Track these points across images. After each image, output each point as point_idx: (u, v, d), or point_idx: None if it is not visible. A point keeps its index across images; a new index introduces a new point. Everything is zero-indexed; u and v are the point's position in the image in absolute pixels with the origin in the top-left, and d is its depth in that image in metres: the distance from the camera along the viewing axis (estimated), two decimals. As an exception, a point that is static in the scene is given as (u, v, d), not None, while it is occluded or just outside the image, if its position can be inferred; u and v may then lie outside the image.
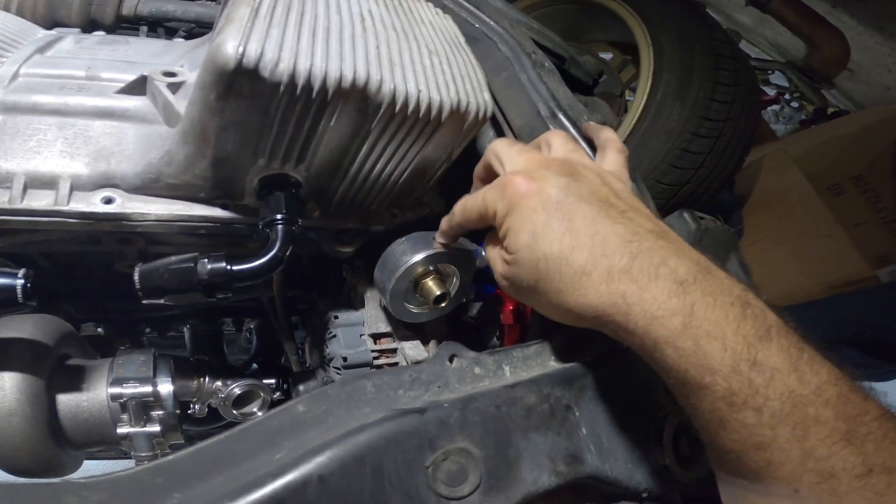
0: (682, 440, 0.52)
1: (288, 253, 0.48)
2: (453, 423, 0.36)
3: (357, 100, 0.47)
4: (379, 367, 0.65)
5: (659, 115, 1.17)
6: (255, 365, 0.76)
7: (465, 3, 0.79)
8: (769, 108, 2.47)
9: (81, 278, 0.61)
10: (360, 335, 0.64)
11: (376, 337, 0.65)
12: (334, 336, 0.63)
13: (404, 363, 0.65)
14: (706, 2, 2.61)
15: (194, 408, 0.61)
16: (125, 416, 0.45)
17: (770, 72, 2.53)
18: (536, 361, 0.47)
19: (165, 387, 0.49)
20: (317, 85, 0.44)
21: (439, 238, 0.56)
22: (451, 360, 0.42)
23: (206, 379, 0.64)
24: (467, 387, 0.41)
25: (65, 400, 0.46)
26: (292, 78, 0.42)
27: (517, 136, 0.71)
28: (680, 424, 0.53)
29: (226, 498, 0.27)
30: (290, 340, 0.72)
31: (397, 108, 0.50)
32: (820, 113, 2.41)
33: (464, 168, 0.75)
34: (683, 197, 1.17)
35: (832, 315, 1.67)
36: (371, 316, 0.66)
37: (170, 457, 0.30)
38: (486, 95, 0.60)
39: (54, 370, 0.46)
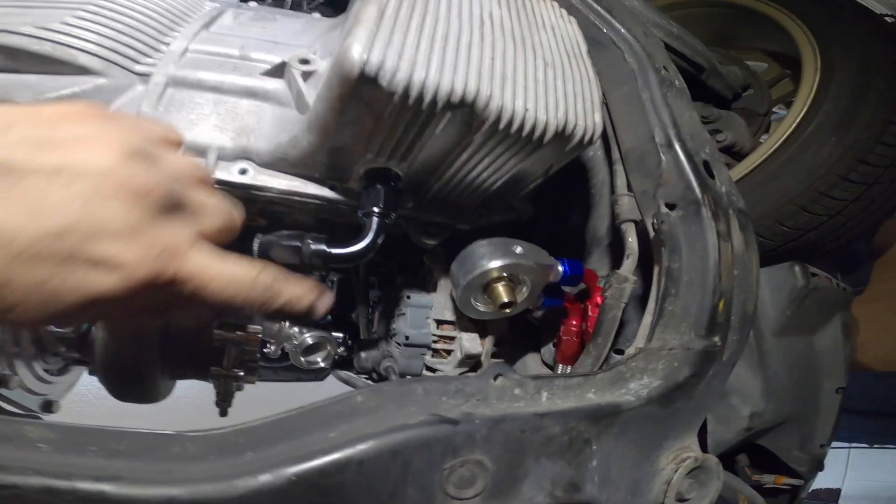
0: (686, 483, 0.53)
1: (380, 242, 0.54)
2: (478, 438, 0.40)
3: (464, 113, 0.50)
4: (436, 350, 0.71)
5: (805, 149, 1.02)
6: (329, 317, 0.85)
7: (595, 4, 0.75)
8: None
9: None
10: (426, 318, 0.70)
11: (440, 323, 0.70)
12: (403, 314, 0.69)
13: (459, 353, 0.70)
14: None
15: (270, 348, 0.71)
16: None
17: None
18: (575, 393, 0.49)
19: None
20: (428, 97, 0.47)
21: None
22: (495, 379, 0.46)
23: (287, 324, 0.74)
24: (504, 405, 0.45)
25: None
26: (407, 88, 0.46)
27: (624, 157, 0.69)
28: (695, 469, 0.54)
29: (283, 464, 0.34)
30: (363, 304, 0.79)
31: (501, 125, 0.51)
32: None
33: (559, 178, 0.75)
34: (805, 243, 1.04)
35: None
36: (440, 303, 0.70)
37: (255, 422, 0.37)
38: (598, 118, 0.58)
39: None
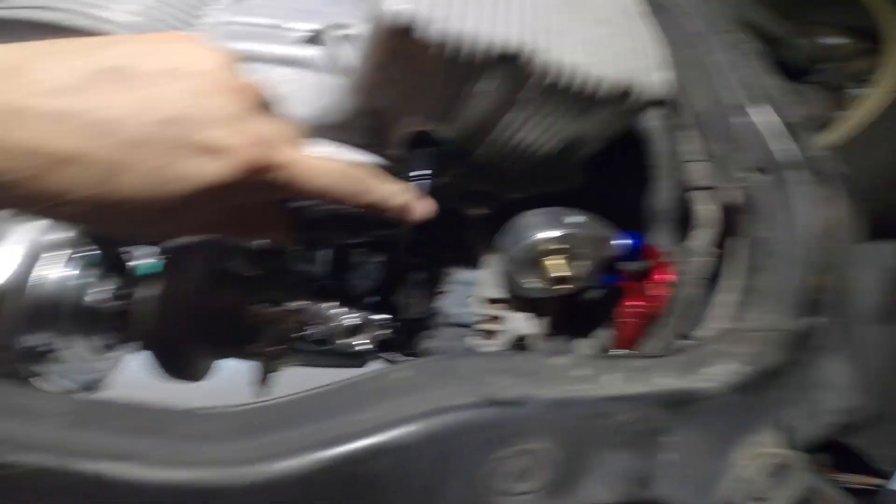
0: (764, 481, 0.47)
1: None
2: (534, 425, 0.35)
3: (507, 68, 0.45)
4: (482, 331, 0.66)
5: (896, 121, 0.93)
6: (373, 298, 0.82)
7: (650, -33, 0.69)
8: None
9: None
10: (470, 296, 0.65)
11: (485, 301, 0.66)
12: (445, 292, 0.65)
13: (505, 334, 0.65)
14: None
15: (311, 330, 0.68)
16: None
17: None
18: (641, 377, 0.43)
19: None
20: (467, 50, 0.43)
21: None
22: (549, 357, 0.41)
23: (329, 305, 0.71)
24: (559, 388, 0.40)
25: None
26: (444, 40, 0.42)
27: (693, 123, 0.62)
28: (774, 467, 0.47)
29: (307, 448, 0.30)
30: (406, 283, 0.75)
31: (548, 80, 0.47)
32: None
33: (615, 147, 0.69)
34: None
35: None
36: (485, 280, 0.66)
37: (277, 400, 0.34)
38: (660, 77, 0.53)
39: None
